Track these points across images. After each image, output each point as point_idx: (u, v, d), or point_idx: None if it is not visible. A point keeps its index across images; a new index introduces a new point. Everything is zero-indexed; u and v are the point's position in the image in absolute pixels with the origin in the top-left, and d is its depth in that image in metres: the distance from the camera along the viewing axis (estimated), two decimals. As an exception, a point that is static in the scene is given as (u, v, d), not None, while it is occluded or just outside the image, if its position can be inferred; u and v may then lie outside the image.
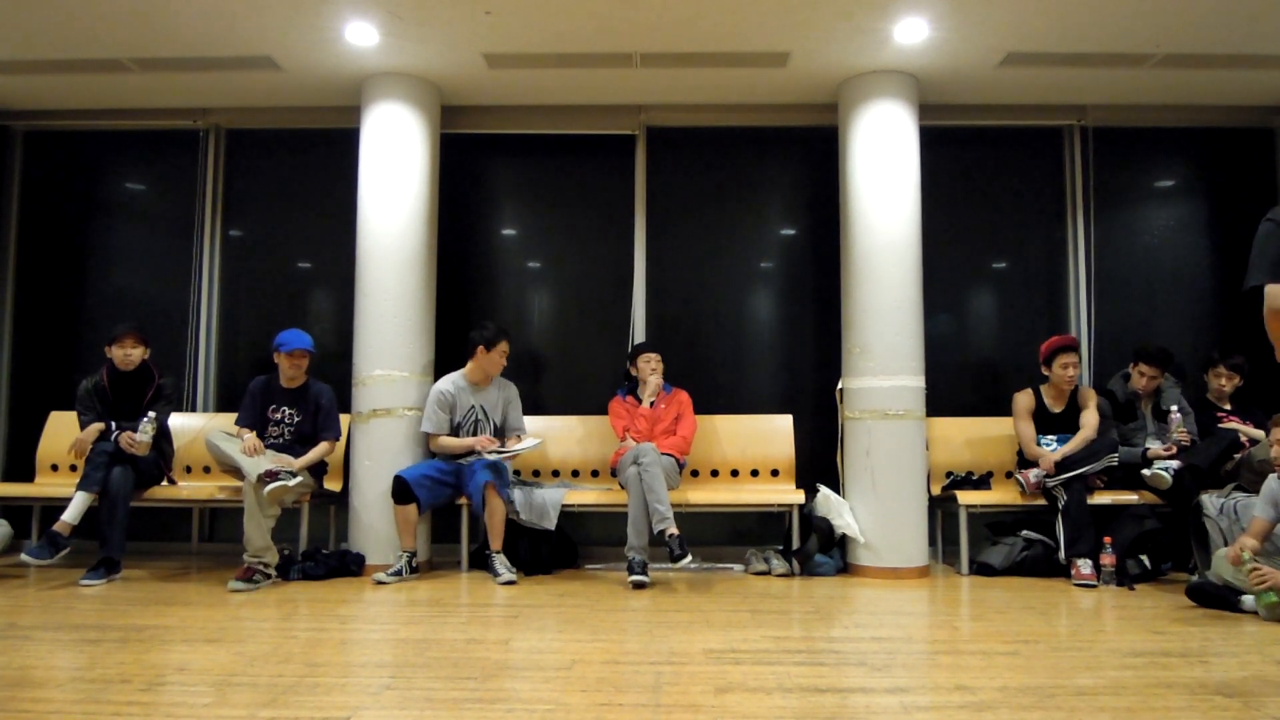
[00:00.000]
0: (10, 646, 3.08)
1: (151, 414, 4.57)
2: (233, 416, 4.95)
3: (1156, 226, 5.76)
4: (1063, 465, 4.67)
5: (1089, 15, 4.45)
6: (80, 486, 4.43)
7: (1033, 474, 4.74)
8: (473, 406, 4.89)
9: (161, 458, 4.80)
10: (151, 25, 4.57)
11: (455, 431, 4.88)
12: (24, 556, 4.29)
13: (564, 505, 4.84)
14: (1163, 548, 4.63)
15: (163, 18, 4.49)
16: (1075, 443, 4.80)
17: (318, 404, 4.87)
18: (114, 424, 4.62)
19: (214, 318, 5.75)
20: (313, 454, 4.75)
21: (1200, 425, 4.90)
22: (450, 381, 4.92)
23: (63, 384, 5.53)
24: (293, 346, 4.78)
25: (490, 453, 4.70)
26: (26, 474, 5.45)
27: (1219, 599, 3.77)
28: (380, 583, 4.48)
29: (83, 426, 4.65)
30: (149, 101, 5.56)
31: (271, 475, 4.35)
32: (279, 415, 4.87)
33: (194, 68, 5.05)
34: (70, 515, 4.36)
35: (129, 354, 4.70)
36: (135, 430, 4.52)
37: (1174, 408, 4.78)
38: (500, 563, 4.56)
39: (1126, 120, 5.63)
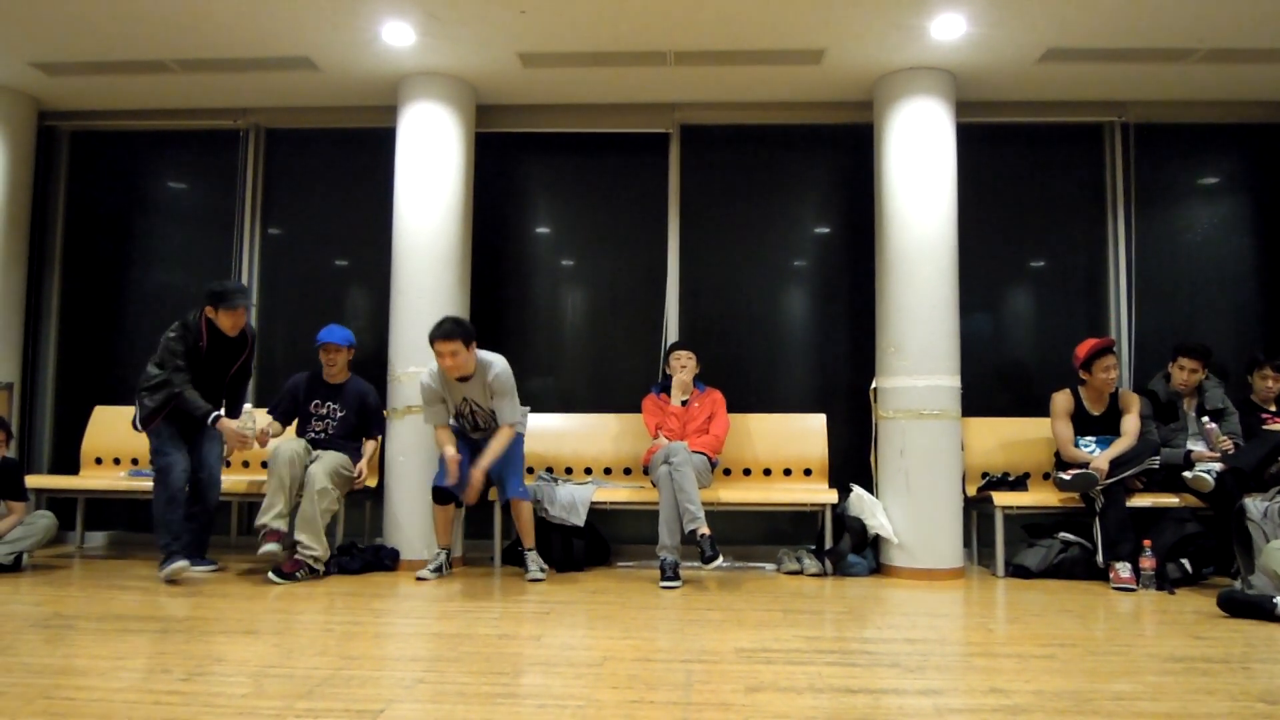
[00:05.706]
0: (54, 636, 3.16)
1: (248, 406, 4.77)
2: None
3: (1199, 225, 5.64)
4: (1112, 467, 4.58)
5: (1131, 9, 4.37)
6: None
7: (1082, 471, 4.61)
8: (465, 399, 4.65)
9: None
10: (193, 27, 4.65)
11: (459, 421, 4.72)
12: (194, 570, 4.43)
13: (596, 503, 4.87)
14: (1204, 552, 4.54)
15: (204, 20, 4.57)
16: (1120, 446, 4.68)
17: (363, 403, 4.95)
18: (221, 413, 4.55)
19: (253, 314, 5.82)
20: (365, 454, 4.91)
21: (1245, 427, 4.79)
22: (426, 374, 4.60)
23: (107, 379, 5.67)
24: (321, 340, 4.89)
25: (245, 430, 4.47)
26: (71, 467, 5.57)
27: (1253, 607, 3.67)
28: (422, 579, 4.51)
29: (177, 385, 4.40)
30: (190, 102, 5.66)
31: (271, 535, 4.40)
32: (323, 410, 4.93)
33: (234, 69, 5.14)
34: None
35: (238, 323, 4.60)
36: (248, 429, 4.50)
37: (1206, 419, 4.67)
38: (532, 560, 4.59)
39: (1169, 116, 5.52)
